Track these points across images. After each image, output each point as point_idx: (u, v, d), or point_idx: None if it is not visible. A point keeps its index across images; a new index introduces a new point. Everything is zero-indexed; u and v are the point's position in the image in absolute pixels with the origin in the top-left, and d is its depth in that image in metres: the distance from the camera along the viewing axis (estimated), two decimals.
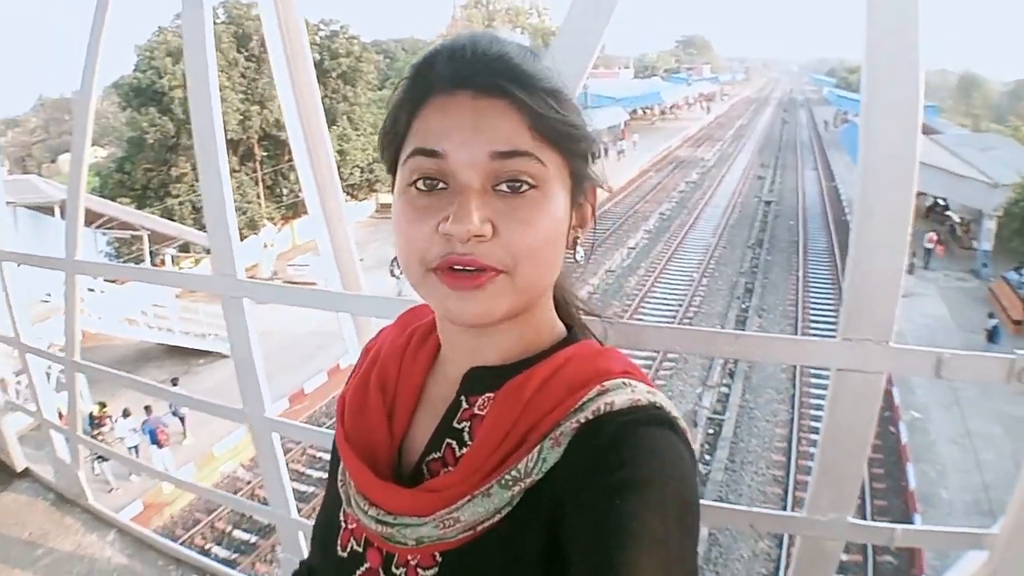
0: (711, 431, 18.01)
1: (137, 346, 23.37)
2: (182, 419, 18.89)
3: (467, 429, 1.04)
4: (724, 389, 20.08)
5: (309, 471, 17.12)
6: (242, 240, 31.37)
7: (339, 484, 1.13)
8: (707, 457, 16.91)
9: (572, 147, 0.99)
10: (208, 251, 20.89)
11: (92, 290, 22.13)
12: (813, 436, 17.09)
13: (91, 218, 25.18)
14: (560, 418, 0.94)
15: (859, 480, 1.87)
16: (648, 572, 0.80)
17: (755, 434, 17.81)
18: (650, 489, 0.86)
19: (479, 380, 1.06)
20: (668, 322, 24.08)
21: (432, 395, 1.13)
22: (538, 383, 0.98)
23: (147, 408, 17.66)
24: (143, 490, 15.87)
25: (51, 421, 4.45)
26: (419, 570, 0.99)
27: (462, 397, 1.07)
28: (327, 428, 2.64)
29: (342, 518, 1.12)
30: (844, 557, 12.66)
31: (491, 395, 1.02)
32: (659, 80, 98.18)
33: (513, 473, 0.93)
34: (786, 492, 15.44)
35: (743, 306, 26.20)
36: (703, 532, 13.73)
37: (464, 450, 1.02)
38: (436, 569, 0.97)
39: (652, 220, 37.60)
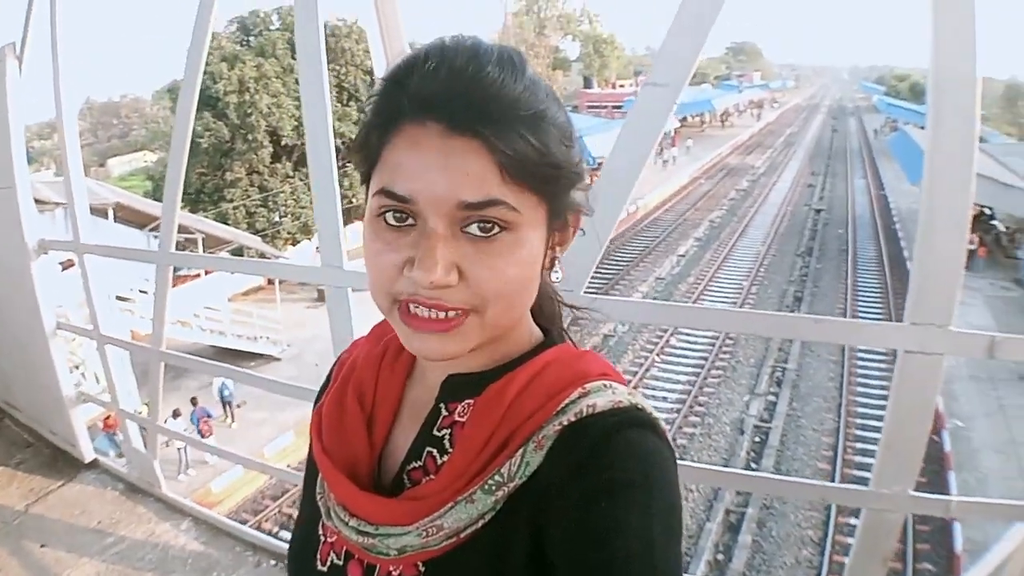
0: (758, 439, 17.90)
1: (189, 348, 23.08)
2: (228, 404, 19.67)
3: (448, 436, 1.03)
4: (771, 397, 19.97)
5: None
6: (295, 245, 31.75)
7: (318, 497, 1.11)
8: (753, 465, 16.83)
9: (549, 187, 0.94)
10: (261, 255, 21.20)
11: (144, 292, 22.07)
12: (859, 445, 17.06)
13: (144, 220, 25.25)
14: (542, 421, 0.94)
15: (920, 456, 2.02)
16: (634, 575, 0.82)
17: (801, 443, 17.70)
18: (635, 491, 0.87)
19: (458, 387, 1.05)
20: (718, 330, 24.00)
21: (411, 404, 1.11)
22: (518, 387, 0.98)
23: (193, 400, 18.67)
24: (191, 490, 15.94)
25: (127, 411, 4.56)
26: None
27: (441, 404, 1.06)
28: None
29: (321, 532, 1.10)
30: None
31: (471, 401, 1.02)
32: (709, 87, 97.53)
33: (496, 478, 0.92)
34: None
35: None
36: (746, 539, 13.77)
37: (445, 458, 1.01)
38: None
39: (702, 228, 37.42)
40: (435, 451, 1.03)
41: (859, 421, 18.19)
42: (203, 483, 16.53)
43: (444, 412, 1.05)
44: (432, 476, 1.00)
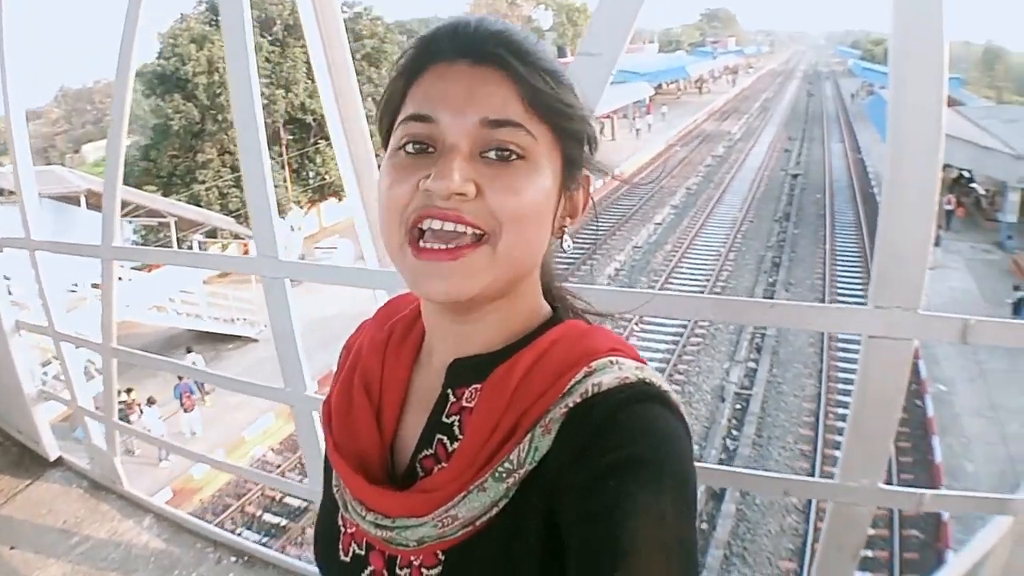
0: (739, 406, 17.91)
1: (166, 333, 23.53)
2: (199, 384, 19.67)
3: (457, 423, 1.03)
4: (752, 364, 19.98)
5: None
6: None
7: (334, 490, 1.12)
8: (735, 432, 16.87)
9: (565, 126, 0.98)
10: (235, 236, 21.18)
11: (120, 278, 22.01)
12: (841, 410, 17.01)
13: None
14: (549, 404, 0.94)
15: (889, 446, 1.91)
16: (645, 552, 0.81)
17: (783, 408, 17.70)
18: (643, 467, 0.86)
19: (464, 371, 1.05)
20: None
21: (419, 389, 1.11)
22: (524, 370, 0.97)
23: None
24: (172, 476, 16.05)
25: (87, 409, 4.49)
26: (423, 570, 0.98)
27: (448, 391, 1.06)
28: None
29: (341, 523, 1.11)
30: (871, 531, 12.67)
31: (478, 386, 1.01)
32: (684, 54, 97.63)
33: (506, 465, 0.92)
34: (813, 468, 15.37)
35: (770, 280, 26.05)
36: (730, 508, 13.75)
37: (455, 444, 1.01)
38: (440, 568, 0.97)
39: (679, 195, 37.33)
40: (445, 438, 1.03)
41: (840, 386, 18.16)
42: (184, 469, 16.43)
43: (452, 398, 1.05)
44: (443, 463, 1.01)
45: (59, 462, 4.71)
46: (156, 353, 20.52)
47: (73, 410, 4.62)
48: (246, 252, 28.43)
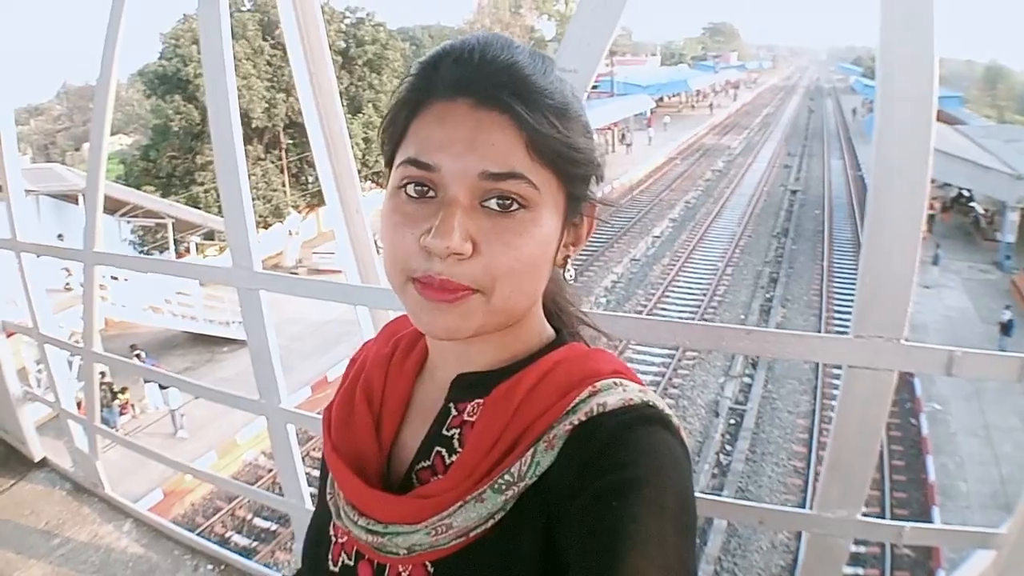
0: (733, 421, 17.93)
1: (161, 334, 23.51)
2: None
3: (457, 436, 1.03)
4: (747, 379, 20.00)
5: None
6: (267, 228, 31.58)
7: (328, 497, 1.12)
8: (728, 448, 16.91)
9: (571, 170, 0.97)
10: None
11: (115, 278, 22.11)
12: None
13: (115, 206, 25.37)
14: (553, 420, 0.94)
15: (869, 477, 1.85)
16: (646, 573, 0.80)
17: (777, 425, 17.72)
18: (646, 489, 0.85)
19: (467, 386, 1.05)
20: (692, 312, 24.20)
21: (420, 403, 1.12)
22: (528, 387, 0.98)
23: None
24: (163, 478, 15.90)
25: (69, 411, 4.46)
26: None
27: (451, 404, 1.06)
28: None
29: (332, 532, 1.11)
30: (863, 549, 12.63)
31: (480, 401, 1.02)
32: (686, 67, 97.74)
33: (506, 477, 0.92)
34: (806, 483, 15.45)
35: (767, 296, 26.11)
36: (721, 523, 13.70)
37: (453, 458, 1.01)
38: None
39: (677, 208, 37.43)
40: (444, 451, 1.03)
41: (835, 404, 18.00)
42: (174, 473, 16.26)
43: (454, 412, 1.06)
44: (440, 476, 1.00)
45: (43, 463, 4.68)
46: (152, 353, 20.84)
47: (58, 412, 4.57)
48: None
